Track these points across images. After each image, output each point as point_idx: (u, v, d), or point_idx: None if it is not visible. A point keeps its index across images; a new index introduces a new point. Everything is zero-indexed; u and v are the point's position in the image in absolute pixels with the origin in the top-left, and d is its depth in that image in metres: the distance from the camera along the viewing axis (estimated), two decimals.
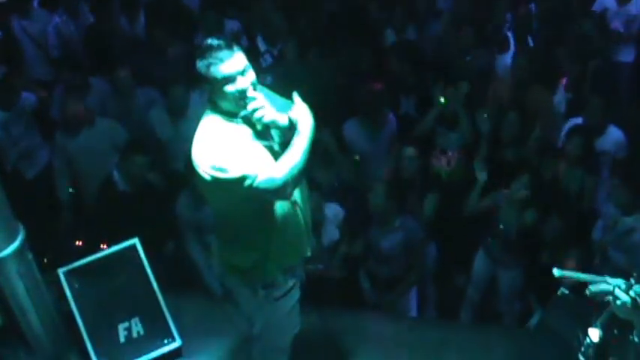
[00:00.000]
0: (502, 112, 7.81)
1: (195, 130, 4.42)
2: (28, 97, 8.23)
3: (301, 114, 4.35)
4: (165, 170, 7.68)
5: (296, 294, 4.82)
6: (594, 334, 4.09)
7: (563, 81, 8.44)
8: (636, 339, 4.17)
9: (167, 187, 7.31)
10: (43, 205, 7.57)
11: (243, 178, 4.13)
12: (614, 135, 7.53)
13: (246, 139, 4.31)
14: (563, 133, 7.60)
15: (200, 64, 4.20)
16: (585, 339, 4.15)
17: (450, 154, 7.54)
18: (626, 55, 9.40)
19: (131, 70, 8.33)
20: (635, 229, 6.52)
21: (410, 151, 7.31)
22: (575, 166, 7.11)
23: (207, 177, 4.20)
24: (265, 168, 4.19)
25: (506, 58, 8.93)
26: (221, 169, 4.13)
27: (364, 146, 7.84)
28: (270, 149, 4.39)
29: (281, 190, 4.24)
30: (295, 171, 4.23)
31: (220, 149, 4.18)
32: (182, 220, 6.96)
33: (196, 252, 6.95)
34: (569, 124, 7.70)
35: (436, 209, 7.36)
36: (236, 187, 4.16)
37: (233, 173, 4.12)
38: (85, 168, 7.70)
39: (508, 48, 9.06)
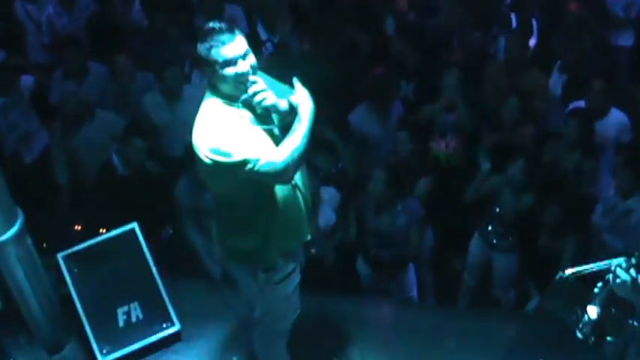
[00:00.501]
0: (500, 95, 7.79)
1: (193, 113, 4.43)
2: (27, 80, 8.21)
3: (302, 98, 4.35)
4: (164, 155, 7.68)
5: (296, 278, 4.82)
6: (592, 311, 4.10)
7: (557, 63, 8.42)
8: (636, 323, 4.19)
9: (166, 171, 7.29)
10: (42, 189, 7.57)
11: (244, 162, 4.14)
12: (616, 118, 7.50)
13: (247, 123, 4.31)
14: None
15: (201, 47, 4.21)
16: (583, 316, 4.16)
17: (448, 137, 7.53)
18: (626, 40, 9.38)
19: (131, 55, 8.31)
20: (633, 211, 6.53)
21: (403, 135, 7.30)
22: (573, 149, 7.09)
23: (208, 161, 4.21)
24: (266, 152, 4.20)
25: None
26: (222, 153, 4.14)
27: (374, 132, 7.82)
28: (271, 133, 4.39)
29: (282, 174, 4.24)
30: (296, 155, 4.23)
31: (221, 133, 4.18)
32: (181, 205, 6.96)
33: (195, 236, 6.95)
34: (570, 108, 7.68)
35: (432, 193, 7.35)
36: (237, 171, 4.16)
37: (234, 157, 4.12)
38: (84, 158, 7.73)
39: (510, 29, 9.01)
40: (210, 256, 6.83)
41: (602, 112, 7.45)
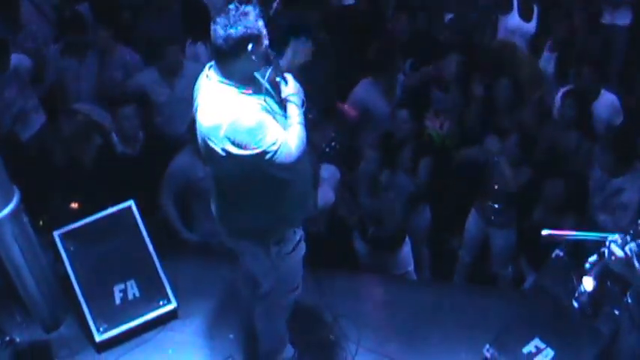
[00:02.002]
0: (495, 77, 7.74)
1: (191, 88, 4.42)
2: (23, 60, 8.15)
3: (292, 89, 4.42)
4: (163, 133, 7.66)
5: (302, 247, 4.86)
6: (588, 283, 4.10)
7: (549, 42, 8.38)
8: (629, 300, 4.21)
9: (164, 149, 7.26)
10: (39, 167, 7.54)
11: (263, 153, 4.16)
12: (607, 101, 7.48)
13: (264, 112, 4.27)
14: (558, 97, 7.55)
15: (234, 30, 4.09)
16: (579, 286, 4.17)
17: (442, 118, 7.50)
18: (623, 18, 9.33)
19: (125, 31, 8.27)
20: (623, 189, 6.53)
21: (403, 114, 7.23)
22: (570, 129, 7.09)
23: (223, 153, 4.21)
24: (283, 142, 4.21)
25: (509, 20, 8.85)
26: (243, 146, 4.14)
27: (379, 108, 7.68)
28: (276, 114, 4.39)
29: (294, 164, 4.28)
30: (304, 144, 4.30)
31: (242, 126, 4.13)
32: (171, 178, 6.90)
33: (171, 208, 6.88)
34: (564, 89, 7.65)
35: (431, 172, 7.32)
36: (254, 161, 4.19)
37: (254, 150, 4.14)
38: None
39: (510, 8, 8.95)
40: (184, 228, 6.88)
41: (593, 96, 7.42)
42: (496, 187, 6.85)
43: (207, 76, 4.34)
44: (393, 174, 6.72)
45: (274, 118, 4.32)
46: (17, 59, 7.92)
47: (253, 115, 4.18)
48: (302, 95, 4.44)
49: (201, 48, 8.12)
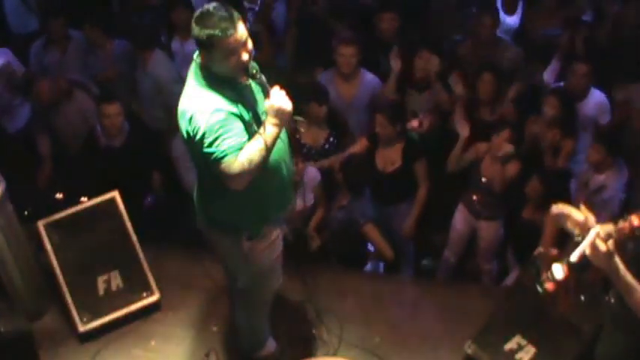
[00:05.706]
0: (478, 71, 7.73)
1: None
2: (9, 55, 8.10)
3: (273, 104, 4.29)
4: (148, 125, 7.66)
5: (279, 246, 4.85)
6: (558, 270, 4.01)
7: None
8: (612, 299, 4.21)
9: (149, 140, 7.27)
10: (24, 157, 7.54)
11: (211, 153, 4.13)
12: (596, 99, 7.48)
13: (229, 113, 4.21)
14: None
15: (201, 32, 4.08)
16: (547, 272, 4.07)
17: (421, 116, 7.47)
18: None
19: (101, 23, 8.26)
20: (605, 187, 6.56)
21: (380, 119, 7.17)
22: (552, 127, 7.09)
23: (186, 136, 4.25)
24: (231, 154, 4.13)
25: (512, 20, 8.82)
26: (199, 140, 4.14)
27: (335, 99, 7.48)
28: (248, 126, 4.31)
29: (233, 181, 4.20)
30: (253, 165, 4.18)
31: (202, 123, 4.13)
32: (178, 161, 6.98)
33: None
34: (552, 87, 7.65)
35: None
36: (206, 156, 4.18)
37: (208, 147, 4.13)
38: (66, 132, 7.69)
39: (515, 9, 8.92)
40: None
41: (583, 94, 7.42)
42: (483, 179, 6.83)
43: (194, 60, 4.34)
44: (354, 199, 6.75)
45: (245, 126, 4.27)
46: (3, 54, 7.91)
47: (218, 116, 4.14)
48: (284, 115, 4.29)
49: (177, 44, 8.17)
